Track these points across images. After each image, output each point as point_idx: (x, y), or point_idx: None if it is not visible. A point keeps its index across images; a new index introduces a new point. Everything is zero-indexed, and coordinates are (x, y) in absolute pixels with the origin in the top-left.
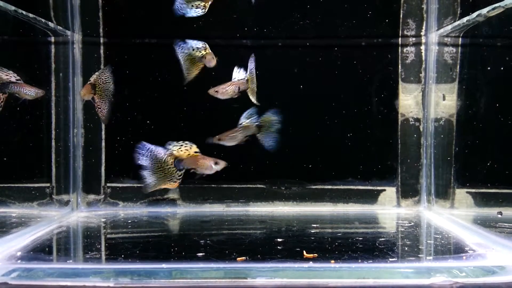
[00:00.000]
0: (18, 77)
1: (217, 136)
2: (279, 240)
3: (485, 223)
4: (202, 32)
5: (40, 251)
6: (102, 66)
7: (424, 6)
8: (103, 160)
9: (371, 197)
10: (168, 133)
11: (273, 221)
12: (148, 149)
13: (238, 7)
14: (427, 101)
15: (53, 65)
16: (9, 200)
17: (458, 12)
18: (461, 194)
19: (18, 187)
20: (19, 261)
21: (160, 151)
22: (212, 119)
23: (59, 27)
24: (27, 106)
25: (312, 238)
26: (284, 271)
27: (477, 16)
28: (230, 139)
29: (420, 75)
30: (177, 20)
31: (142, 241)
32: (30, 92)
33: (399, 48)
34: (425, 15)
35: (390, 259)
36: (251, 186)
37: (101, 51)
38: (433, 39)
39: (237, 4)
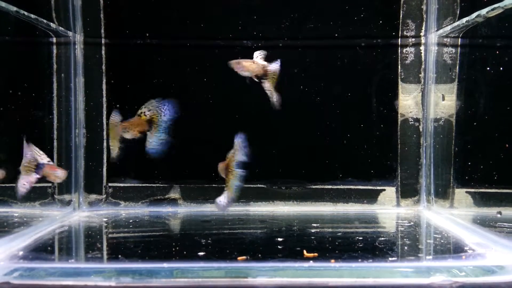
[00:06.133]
0: (48, 159)
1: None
2: (280, 239)
3: (485, 223)
4: (203, 32)
5: (42, 250)
6: (103, 67)
7: (423, 6)
8: (105, 160)
9: (371, 197)
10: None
11: (274, 221)
12: None
13: (239, 8)
14: (427, 101)
15: (54, 66)
16: (11, 200)
17: (458, 12)
18: (461, 193)
19: None
20: (21, 260)
21: None
22: (211, 120)
23: (60, 28)
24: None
25: (313, 237)
26: (285, 271)
27: (476, 16)
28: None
29: (420, 75)
30: (178, 21)
31: (144, 240)
32: (60, 174)
33: (399, 48)
34: (424, 16)
35: (390, 259)
36: (251, 186)
37: (103, 52)
38: (433, 40)
39: (237, 5)
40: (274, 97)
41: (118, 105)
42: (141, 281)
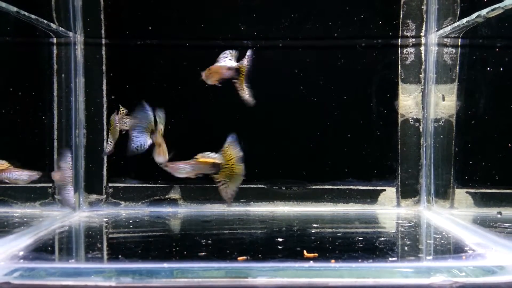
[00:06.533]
0: (8, 164)
1: (168, 163)
2: (280, 239)
3: (485, 223)
4: (203, 33)
5: (42, 250)
6: (104, 67)
7: (424, 7)
8: (105, 160)
9: (371, 197)
10: (169, 134)
11: (274, 221)
12: None
13: (239, 8)
14: (427, 102)
15: (55, 66)
16: (11, 200)
17: (458, 13)
18: (461, 194)
19: (21, 187)
20: (21, 260)
21: None
22: (211, 120)
23: (61, 28)
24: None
25: (313, 237)
26: (285, 271)
27: (476, 17)
28: (178, 171)
29: (420, 75)
30: (179, 21)
31: (144, 240)
32: (21, 176)
33: (399, 49)
34: (425, 16)
35: (390, 259)
36: (252, 186)
37: (103, 52)
38: (433, 40)
39: (237, 5)
40: (246, 94)
41: (118, 105)
42: (141, 281)
